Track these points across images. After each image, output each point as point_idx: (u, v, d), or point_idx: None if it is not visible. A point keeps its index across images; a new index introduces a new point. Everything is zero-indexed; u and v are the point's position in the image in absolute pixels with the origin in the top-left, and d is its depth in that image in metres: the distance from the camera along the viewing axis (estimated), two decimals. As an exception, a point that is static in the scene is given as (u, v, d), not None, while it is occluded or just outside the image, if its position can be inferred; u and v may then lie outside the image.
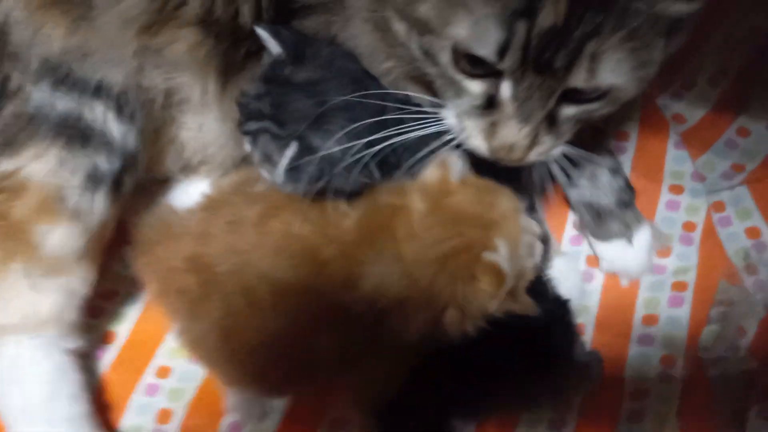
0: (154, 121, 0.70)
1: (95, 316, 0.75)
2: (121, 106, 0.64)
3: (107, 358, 0.74)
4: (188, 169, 0.79)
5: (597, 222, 0.79)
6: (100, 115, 0.63)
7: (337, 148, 0.61)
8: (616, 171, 0.79)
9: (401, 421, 0.64)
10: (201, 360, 0.69)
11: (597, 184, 0.78)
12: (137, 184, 0.74)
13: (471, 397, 0.65)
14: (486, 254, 0.59)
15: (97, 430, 0.67)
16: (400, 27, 0.59)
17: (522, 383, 0.67)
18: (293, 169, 0.62)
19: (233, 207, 0.68)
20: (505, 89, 0.56)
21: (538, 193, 0.76)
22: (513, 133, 0.58)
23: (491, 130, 0.59)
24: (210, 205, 0.70)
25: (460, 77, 0.58)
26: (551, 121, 0.59)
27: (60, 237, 0.63)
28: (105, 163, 0.64)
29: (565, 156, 0.64)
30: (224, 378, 0.68)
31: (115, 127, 0.64)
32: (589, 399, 0.72)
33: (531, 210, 0.76)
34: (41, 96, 0.61)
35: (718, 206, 0.84)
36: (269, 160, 0.64)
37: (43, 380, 0.65)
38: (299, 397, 0.71)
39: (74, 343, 0.68)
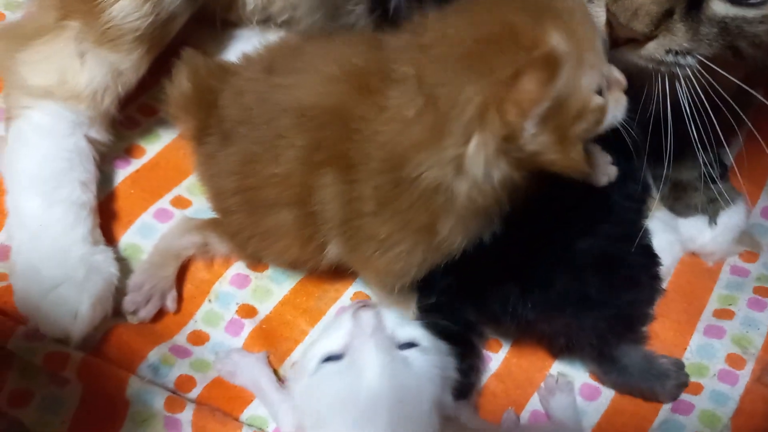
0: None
1: (129, 127, 0.69)
2: None
3: (128, 170, 0.67)
4: (268, 24, 0.74)
5: (674, 194, 0.70)
6: None
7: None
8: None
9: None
10: (211, 200, 0.61)
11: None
12: (207, 17, 0.70)
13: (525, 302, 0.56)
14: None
15: (94, 227, 0.60)
16: None
17: (587, 312, 0.56)
18: None
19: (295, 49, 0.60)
20: None
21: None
22: None
23: None
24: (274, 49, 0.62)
25: None
26: (693, 11, 0.50)
27: (127, 4, 0.58)
28: None
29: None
30: (228, 227, 0.60)
31: None
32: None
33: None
34: None
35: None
36: None
37: (60, 155, 0.60)
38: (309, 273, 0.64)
39: (102, 135, 0.63)
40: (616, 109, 0.49)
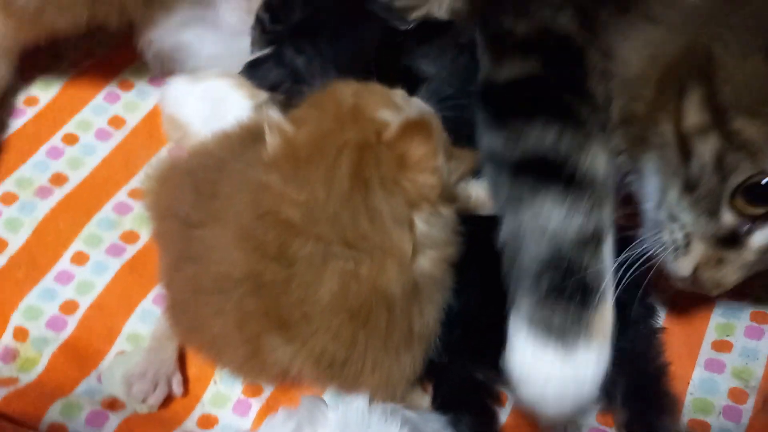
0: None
1: (120, 213, 0.71)
2: None
3: (125, 258, 0.68)
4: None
5: None
6: None
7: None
8: None
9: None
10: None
11: None
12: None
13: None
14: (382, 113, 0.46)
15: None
16: (696, 116, 0.50)
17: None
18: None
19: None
20: (761, 236, 0.50)
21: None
22: (735, 277, 0.52)
23: (713, 265, 0.52)
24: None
25: (725, 206, 0.50)
26: None
27: None
28: None
29: None
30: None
31: None
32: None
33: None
34: None
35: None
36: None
37: None
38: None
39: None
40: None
